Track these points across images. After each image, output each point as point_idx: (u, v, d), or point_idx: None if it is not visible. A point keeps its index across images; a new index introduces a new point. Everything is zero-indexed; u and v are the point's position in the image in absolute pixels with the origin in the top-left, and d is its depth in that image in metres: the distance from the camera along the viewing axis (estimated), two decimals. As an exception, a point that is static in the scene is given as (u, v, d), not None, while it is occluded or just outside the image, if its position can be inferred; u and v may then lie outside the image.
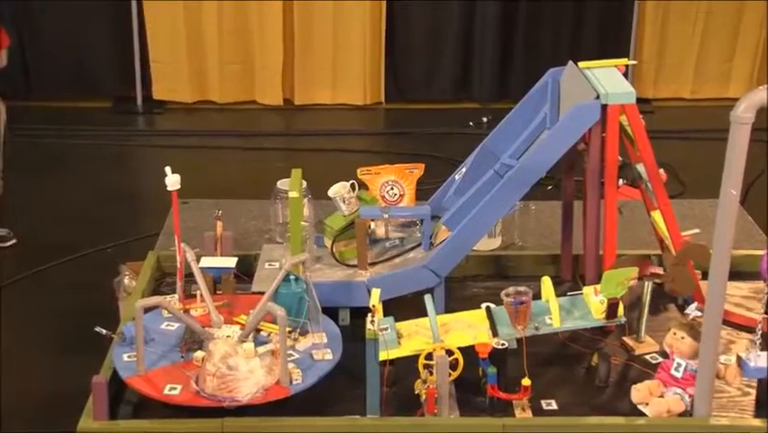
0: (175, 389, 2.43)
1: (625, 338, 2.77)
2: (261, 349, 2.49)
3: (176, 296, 2.74)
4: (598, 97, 2.76)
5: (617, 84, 2.79)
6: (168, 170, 2.61)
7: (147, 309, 2.53)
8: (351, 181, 2.93)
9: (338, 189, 2.93)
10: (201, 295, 2.70)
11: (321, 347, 2.58)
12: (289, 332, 2.58)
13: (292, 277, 2.67)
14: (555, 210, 3.39)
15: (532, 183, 2.78)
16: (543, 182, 2.83)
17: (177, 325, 2.64)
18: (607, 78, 2.81)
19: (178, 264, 2.70)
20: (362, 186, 3.04)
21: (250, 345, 2.47)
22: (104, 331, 2.55)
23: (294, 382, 2.47)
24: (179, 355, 2.53)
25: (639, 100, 2.80)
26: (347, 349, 2.60)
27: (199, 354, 2.51)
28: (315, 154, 4.76)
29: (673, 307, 2.90)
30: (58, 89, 5.26)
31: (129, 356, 2.52)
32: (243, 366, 2.42)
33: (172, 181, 2.64)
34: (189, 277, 2.78)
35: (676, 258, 2.71)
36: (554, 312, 2.62)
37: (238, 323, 2.68)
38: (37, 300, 3.53)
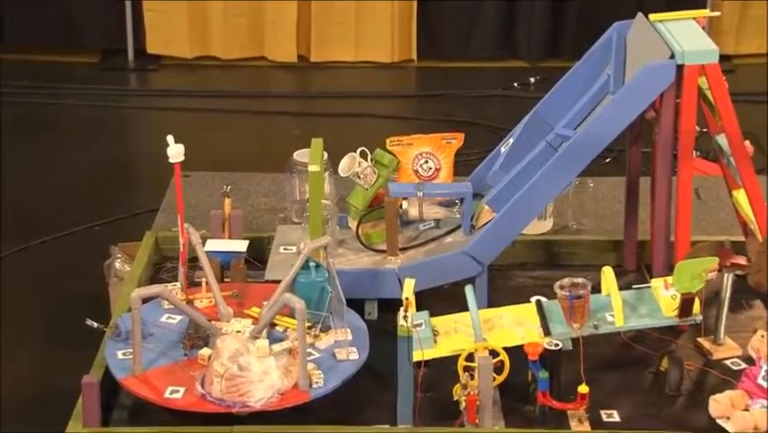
0: (177, 392, 2.44)
1: (700, 340, 2.75)
2: (277, 347, 2.49)
3: (177, 284, 2.75)
4: (672, 56, 2.73)
5: (697, 40, 2.75)
6: (170, 138, 2.61)
7: (145, 300, 2.54)
8: (360, 149, 2.92)
9: (348, 164, 2.91)
10: (207, 283, 2.71)
11: (345, 345, 2.58)
12: (309, 327, 2.59)
13: (312, 264, 2.67)
14: (617, 188, 3.37)
15: (592, 157, 2.76)
16: (601, 154, 2.81)
17: (179, 318, 2.65)
18: (683, 34, 2.77)
19: (181, 248, 2.71)
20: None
21: (263, 342, 2.48)
22: (95, 324, 2.57)
23: (314, 386, 2.47)
24: (182, 353, 2.54)
25: (719, 58, 2.76)
26: (375, 348, 2.60)
27: (205, 351, 2.52)
28: (336, 120, 4.76)
29: (759, 303, 2.87)
30: (35, 40, 5.28)
31: (124, 353, 2.53)
32: (256, 367, 2.42)
33: (175, 152, 2.64)
34: (193, 262, 2.79)
35: (763, 245, 2.69)
36: (617, 308, 2.60)
37: (250, 316, 2.68)
38: (16, 286, 3.56)
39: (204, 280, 2.72)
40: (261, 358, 2.43)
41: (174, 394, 2.43)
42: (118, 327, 2.56)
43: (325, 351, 2.58)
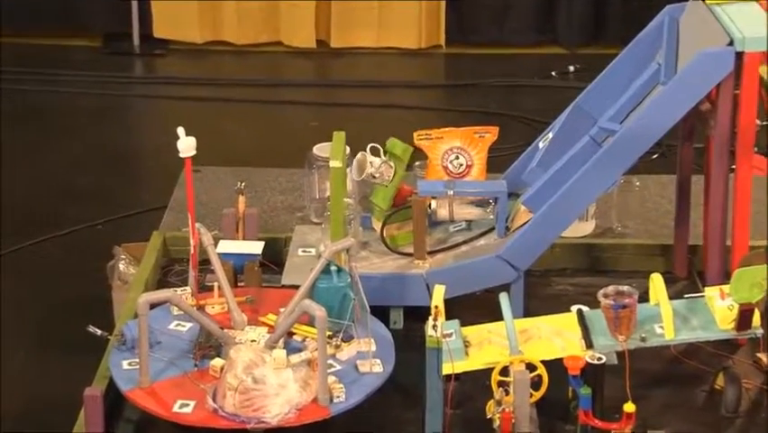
0: (187, 406, 2.44)
1: (760, 355, 2.73)
2: (295, 358, 2.49)
3: (188, 289, 2.76)
4: (731, 43, 2.71)
5: (758, 25, 2.73)
6: (180, 131, 2.61)
7: (153, 305, 2.54)
8: (370, 145, 2.91)
9: (359, 165, 2.90)
10: (219, 288, 2.71)
11: (368, 357, 2.58)
12: (330, 337, 2.58)
13: (333, 268, 2.67)
14: (667, 187, 3.36)
15: (639, 153, 2.75)
16: (649, 150, 2.80)
17: (189, 325, 2.66)
18: (743, 18, 2.75)
19: (192, 249, 2.72)
20: (419, 154, 3.04)
21: (281, 352, 2.48)
22: (98, 331, 2.58)
23: (335, 401, 2.47)
24: (192, 364, 2.54)
25: (783, 45, 2.74)
26: (400, 360, 2.60)
27: (217, 362, 2.52)
28: (358, 112, 4.76)
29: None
30: (34, 23, 5.31)
31: (130, 363, 2.54)
32: (273, 379, 2.42)
33: (186, 146, 2.64)
34: (204, 265, 2.80)
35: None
36: (666, 319, 2.59)
37: (265, 324, 2.69)
38: (11, 289, 3.57)
39: (216, 284, 2.72)
40: (278, 370, 2.43)
41: (184, 408, 2.43)
42: (123, 335, 2.57)
43: (347, 363, 2.58)
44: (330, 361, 2.53)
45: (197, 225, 2.73)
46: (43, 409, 2.98)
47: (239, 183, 3.03)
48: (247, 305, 2.73)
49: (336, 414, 2.45)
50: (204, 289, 2.80)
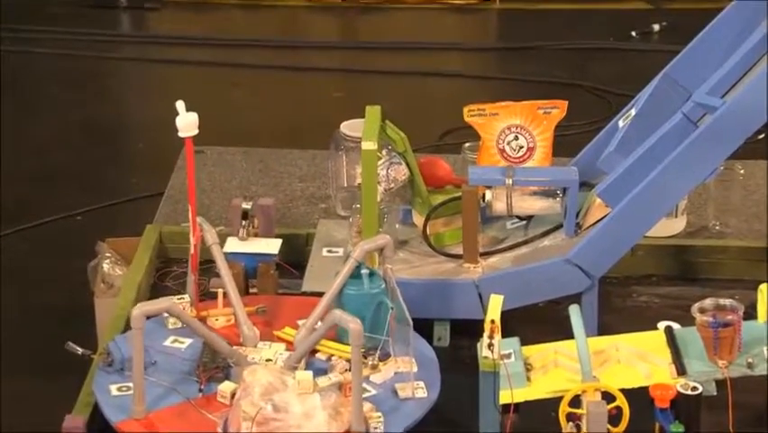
0: None
1: None
2: (324, 381, 2.50)
3: (186, 297, 2.77)
4: None
5: None
6: (180, 105, 2.62)
7: (148, 317, 2.55)
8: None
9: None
10: (225, 296, 2.72)
11: (409, 379, 2.58)
12: (363, 356, 2.59)
13: (365, 271, 2.68)
14: (775, 177, 3.35)
15: (746, 135, 2.75)
16: (756, 131, 2.80)
17: (188, 341, 2.67)
18: None
19: (192, 249, 2.73)
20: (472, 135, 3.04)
21: (306, 374, 2.49)
22: (79, 350, 2.59)
23: (373, 432, 2.47)
24: (197, 388, 2.55)
25: None
26: (447, 384, 2.60)
27: (227, 386, 2.53)
28: (392, 80, 4.77)
29: None
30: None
31: (119, 388, 2.54)
32: (297, 407, 2.43)
33: (186, 123, 2.65)
34: (208, 265, 2.80)
35: None
36: (778, 340, 2.59)
37: (282, 340, 2.70)
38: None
39: (221, 290, 2.73)
40: (303, 396, 2.44)
41: None
42: (110, 354, 2.58)
43: (384, 386, 2.59)
44: (364, 384, 2.54)
45: (199, 219, 2.74)
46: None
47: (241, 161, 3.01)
48: (258, 316, 2.74)
49: None
50: (206, 296, 2.81)
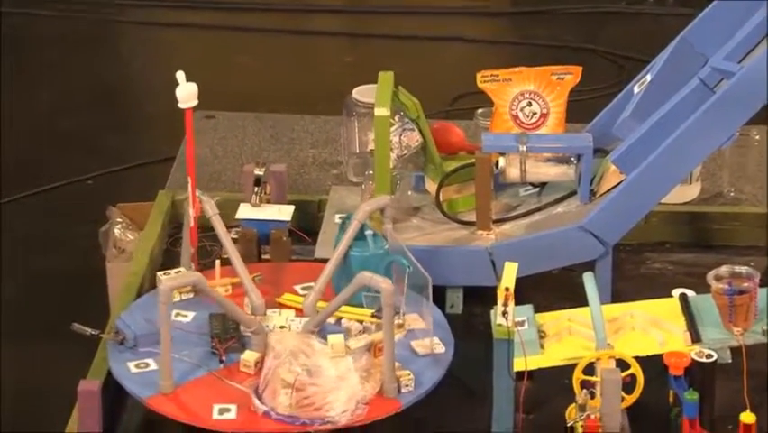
0: (228, 411, 2.45)
1: None
2: (354, 343, 2.51)
3: (182, 269, 2.75)
4: None
5: None
6: (180, 76, 2.61)
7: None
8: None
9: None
10: (222, 266, 2.71)
11: (423, 336, 2.60)
12: (372, 315, 2.62)
13: (369, 232, 2.70)
14: (792, 143, 3.33)
15: (764, 101, 2.73)
16: None
17: (192, 314, 2.66)
18: None
19: (191, 221, 2.72)
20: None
21: (338, 338, 2.50)
22: (87, 330, 2.57)
23: (403, 391, 2.50)
24: (217, 360, 2.55)
25: None
26: (460, 350, 2.61)
27: (250, 355, 2.54)
28: (404, 45, 4.74)
29: None
30: None
31: (138, 365, 2.54)
32: (331, 370, 2.44)
33: (186, 94, 2.63)
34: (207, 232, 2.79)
35: None
36: (794, 307, 2.59)
37: (286, 306, 2.70)
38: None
39: (218, 261, 2.73)
40: (336, 359, 2.45)
41: (225, 414, 2.44)
42: (119, 332, 2.57)
43: (400, 345, 2.60)
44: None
45: (200, 193, 2.73)
46: (20, 405, 3.00)
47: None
48: (257, 284, 2.73)
49: (407, 406, 2.48)
50: (204, 264, 2.77)
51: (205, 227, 2.83)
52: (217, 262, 2.74)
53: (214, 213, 2.72)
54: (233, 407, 2.46)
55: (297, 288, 2.76)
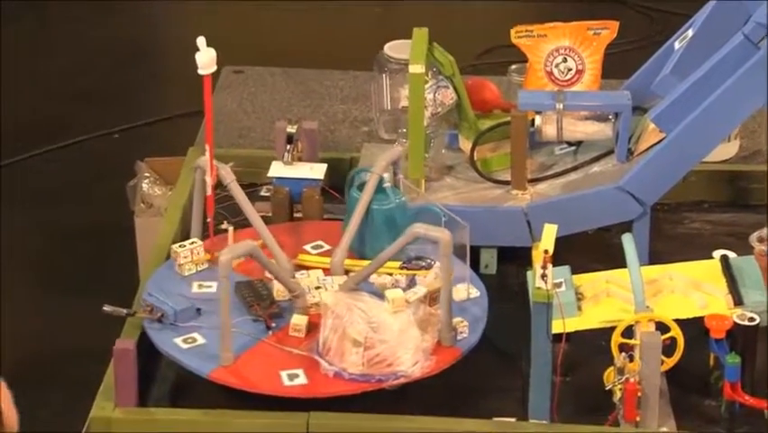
0: (297, 376, 2.44)
1: None
2: (412, 296, 2.52)
3: (198, 241, 2.70)
4: None
5: None
6: (201, 41, 2.57)
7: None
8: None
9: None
10: (235, 231, 2.69)
11: (465, 282, 2.61)
12: (402, 267, 2.62)
13: (387, 185, 2.71)
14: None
15: (811, 58, 2.71)
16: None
17: (215, 284, 2.61)
18: None
19: (209, 189, 2.68)
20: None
21: (397, 292, 2.51)
22: (123, 311, 2.54)
23: (459, 338, 2.52)
24: (264, 328, 2.53)
25: None
26: (494, 311, 2.60)
27: (300, 319, 2.53)
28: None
29: None
30: None
31: (185, 340, 2.51)
32: (395, 325, 2.45)
33: (206, 60, 2.59)
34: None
35: None
36: (838, 270, 2.58)
37: (302, 266, 2.68)
38: (9, 214, 3.60)
39: (231, 228, 2.70)
40: (397, 314, 2.46)
41: (296, 380, 2.44)
42: (154, 309, 2.54)
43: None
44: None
45: (216, 162, 2.68)
46: (55, 362, 3.01)
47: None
48: (265, 249, 2.68)
49: (467, 352, 2.50)
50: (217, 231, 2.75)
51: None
52: (230, 228, 2.72)
53: (231, 180, 2.70)
54: (300, 372, 2.45)
55: (307, 247, 2.74)
